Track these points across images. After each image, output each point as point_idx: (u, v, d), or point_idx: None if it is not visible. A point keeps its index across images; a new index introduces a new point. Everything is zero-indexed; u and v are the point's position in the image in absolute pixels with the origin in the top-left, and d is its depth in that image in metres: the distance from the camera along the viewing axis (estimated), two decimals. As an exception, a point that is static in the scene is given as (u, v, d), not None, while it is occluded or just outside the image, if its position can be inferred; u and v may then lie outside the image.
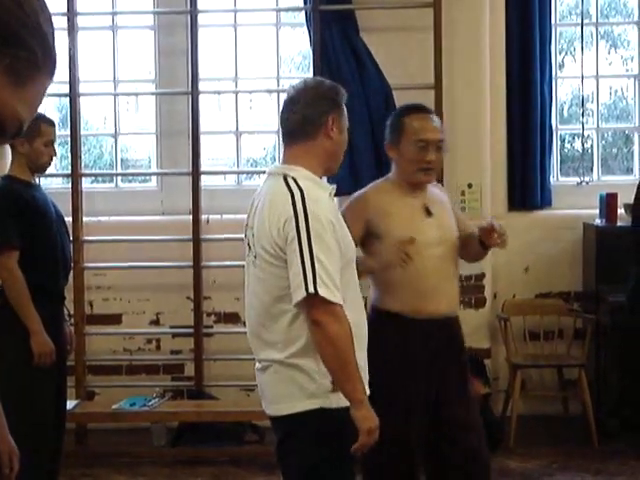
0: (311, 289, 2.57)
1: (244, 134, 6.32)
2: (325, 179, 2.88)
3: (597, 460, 5.21)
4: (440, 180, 5.66)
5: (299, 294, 2.60)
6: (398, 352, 3.38)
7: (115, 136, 6.27)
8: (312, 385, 2.67)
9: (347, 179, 5.15)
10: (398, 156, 3.44)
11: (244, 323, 5.71)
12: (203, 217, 5.84)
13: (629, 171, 6.53)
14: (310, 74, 5.63)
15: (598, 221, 5.83)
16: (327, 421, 2.66)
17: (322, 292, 2.57)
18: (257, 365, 2.81)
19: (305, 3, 5.84)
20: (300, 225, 2.60)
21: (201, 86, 5.85)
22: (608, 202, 5.78)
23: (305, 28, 5.88)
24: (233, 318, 5.90)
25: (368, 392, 2.83)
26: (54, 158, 4.12)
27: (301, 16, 6.02)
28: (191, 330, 5.81)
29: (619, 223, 5.68)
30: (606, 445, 5.41)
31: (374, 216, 3.36)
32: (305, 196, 2.64)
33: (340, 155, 2.85)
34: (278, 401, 2.75)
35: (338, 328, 2.59)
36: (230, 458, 5.36)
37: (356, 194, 3.51)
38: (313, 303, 2.60)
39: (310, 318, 2.62)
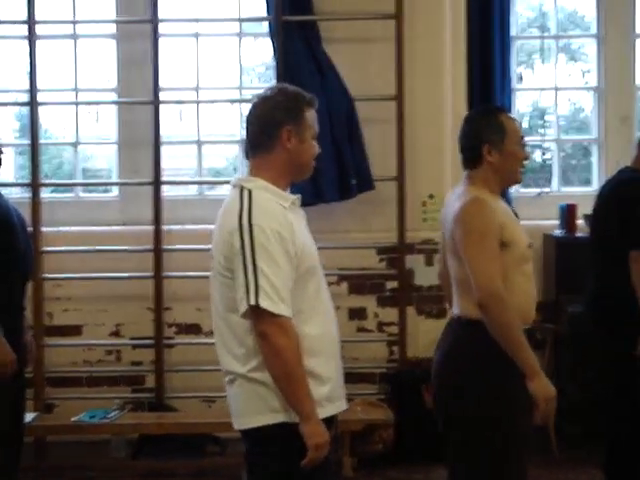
0: (252, 301, 2.57)
1: (206, 144, 6.30)
2: (288, 189, 2.85)
3: (557, 468, 5.26)
4: (402, 191, 5.71)
5: (242, 306, 2.61)
6: None
7: (75, 145, 6.21)
8: (275, 399, 2.66)
9: (308, 190, 5.13)
10: (501, 157, 3.22)
11: (205, 334, 5.77)
12: (164, 227, 5.81)
13: (588, 182, 6.61)
14: (272, 84, 5.62)
15: (558, 232, 5.90)
16: (291, 435, 2.64)
17: (264, 304, 2.57)
18: (225, 378, 2.80)
19: (268, 13, 5.84)
20: (244, 236, 2.60)
21: (162, 95, 5.82)
22: (567, 213, 5.85)
23: (268, 38, 5.88)
24: (194, 329, 5.86)
25: (344, 407, 2.84)
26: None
27: (264, 26, 6.02)
28: (152, 341, 5.78)
29: (578, 234, 5.74)
30: (566, 453, 5.46)
31: (502, 224, 3.14)
32: (252, 208, 2.64)
33: (304, 163, 2.81)
34: (242, 415, 2.74)
35: (284, 341, 2.58)
36: (192, 471, 5.32)
37: (480, 200, 3.14)
38: (257, 315, 2.59)
39: (256, 330, 2.62)
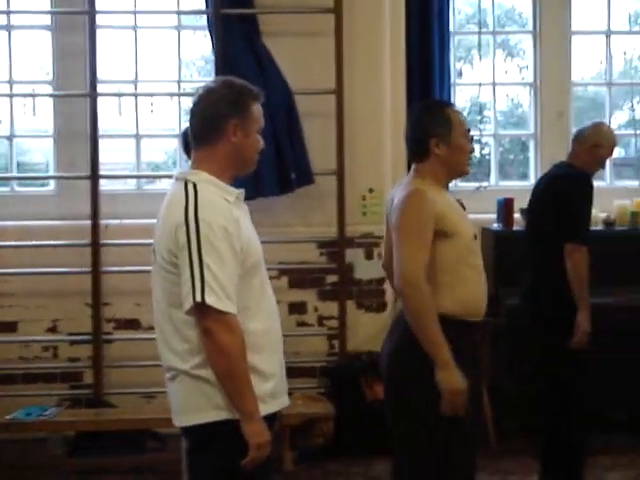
0: (198, 298, 2.54)
1: (144, 138, 6.24)
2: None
3: (494, 460, 5.32)
4: (342, 185, 5.73)
5: (187, 303, 2.57)
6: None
7: (10, 138, 6.11)
8: (218, 396, 2.63)
9: (248, 184, 5.07)
10: (448, 150, 3.25)
11: (145, 329, 5.72)
12: (102, 222, 5.75)
13: (525, 177, 6.71)
14: (212, 78, 5.59)
15: (495, 225, 5.97)
16: (234, 432, 2.62)
17: (209, 301, 2.54)
18: (166, 374, 2.77)
19: (207, 6, 5.80)
20: (190, 232, 2.57)
21: (100, 88, 5.75)
22: (505, 207, 5.92)
23: (207, 32, 5.84)
24: (133, 324, 5.81)
25: (286, 403, 2.83)
26: None
27: (203, 19, 5.97)
28: (90, 337, 5.72)
29: (515, 227, 5.82)
30: (503, 445, 5.53)
31: (440, 215, 3.16)
32: (198, 202, 2.60)
33: (248, 157, 2.79)
34: (184, 412, 2.71)
35: (229, 338, 2.56)
36: (130, 467, 5.27)
37: (419, 191, 3.18)
38: (203, 312, 2.56)
39: (200, 327, 2.59)
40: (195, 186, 2.65)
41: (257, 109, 2.78)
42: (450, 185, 3.45)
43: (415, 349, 3.15)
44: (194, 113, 2.77)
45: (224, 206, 2.65)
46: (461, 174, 3.45)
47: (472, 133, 3.40)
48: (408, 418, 3.19)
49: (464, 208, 3.41)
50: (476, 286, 3.26)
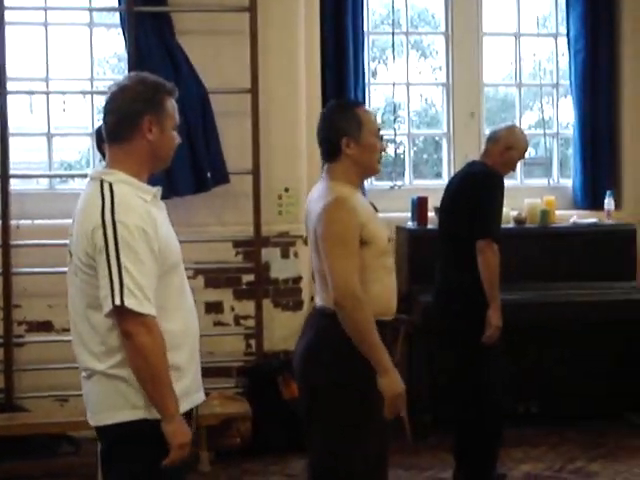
0: (117, 301, 2.52)
1: (57, 136, 6.13)
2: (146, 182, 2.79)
3: (410, 455, 5.39)
4: (257, 184, 5.72)
5: (106, 306, 2.55)
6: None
7: None
8: (136, 395, 2.61)
9: (163, 183, 5.03)
10: (359, 149, 3.25)
11: (57, 331, 5.62)
12: (13, 222, 5.63)
13: (438, 176, 6.81)
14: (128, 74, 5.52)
15: (410, 224, 6.04)
16: (151, 432, 2.60)
17: (129, 303, 2.52)
18: (82, 374, 2.73)
19: (119, 4, 5.73)
20: (108, 234, 2.54)
21: (10, 86, 5.63)
22: (419, 205, 6.00)
23: (120, 29, 5.77)
24: (46, 327, 5.70)
25: (201, 399, 2.83)
26: None
27: (116, 17, 5.90)
28: (0, 340, 5.58)
29: (429, 226, 5.90)
30: (419, 440, 5.60)
31: (362, 223, 3.17)
32: (115, 204, 2.58)
33: (164, 154, 2.77)
34: (101, 411, 2.68)
35: (149, 340, 2.54)
36: (44, 472, 5.18)
37: (341, 200, 3.16)
38: (122, 315, 2.54)
39: (120, 329, 2.57)
40: (111, 186, 2.62)
41: (171, 104, 2.77)
42: (365, 184, 3.48)
43: (328, 347, 3.18)
44: (108, 111, 2.73)
45: (141, 206, 2.63)
46: (372, 173, 3.49)
47: (386, 132, 3.45)
48: (322, 416, 3.21)
49: (376, 210, 3.46)
50: (387, 286, 3.31)
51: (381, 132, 3.38)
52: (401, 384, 3.15)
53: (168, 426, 2.59)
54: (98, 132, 4.04)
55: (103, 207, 2.58)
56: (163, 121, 2.73)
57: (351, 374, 3.15)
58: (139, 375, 2.57)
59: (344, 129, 3.26)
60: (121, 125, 2.70)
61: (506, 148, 4.74)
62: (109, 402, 2.65)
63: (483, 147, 4.95)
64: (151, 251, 2.59)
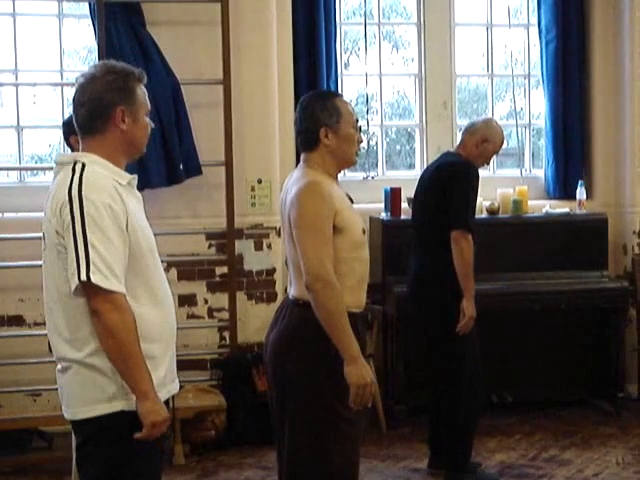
0: (83, 276, 2.49)
1: (26, 129, 6.07)
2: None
3: (385, 445, 5.41)
4: (230, 176, 5.70)
5: (73, 282, 2.52)
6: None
7: None
8: (113, 387, 2.58)
9: (134, 174, 5.03)
10: (337, 139, 3.25)
11: (29, 325, 5.57)
12: (-17, 216, 5.58)
13: (411, 167, 6.82)
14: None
15: (384, 215, 6.05)
16: (129, 424, 2.57)
17: (95, 279, 2.49)
18: (58, 366, 2.70)
19: (89, -6, 5.67)
20: (74, 211, 2.51)
21: (-22, 78, 5.57)
22: (392, 196, 6.00)
23: (89, 20, 5.71)
24: (17, 321, 5.64)
25: (176, 390, 2.81)
26: None
27: (85, 7, 5.84)
28: (-29, 335, 5.53)
29: (403, 216, 5.91)
30: (394, 430, 5.63)
31: (337, 209, 3.16)
32: (83, 181, 2.55)
33: (138, 141, 2.74)
34: (77, 404, 2.64)
35: (118, 317, 2.51)
36: (16, 467, 5.14)
37: (315, 184, 3.16)
38: (90, 292, 2.51)
39: (89, 307, 2.54)
40: (83, 165, 2.60)
41: (142, 91, 2.74)
42: (339, 175, 3.46)
43: (300, 337, 3.18)
44: (79, 102, 2.69)
45: (110, 185, 2.60)
46: (349, 164, 3.47)
47: (359, 124, 3.43)
48: (295, 408, 3.20)
49: (352, 201, 3.45)
50: (360, 279, 3.30)
51: (358, 123, 3.38)
52: (369, 374, 3.12)
53: (142, 405, 2.55)
54: (65, 124, 4.00)
55: (71, 184, 2.55)
56: (135, 110, 2.70)
57: (322, 364, 3.15)
58: (110, 354, 2.53)
59: (323, 119, 3.25)
60: (93, 117, 2.66)
61: (482, 140, 4.75)
62: (85, 395, 2.62)
63: (456, 138, 4.97)
64: (118, 228, 2.56)
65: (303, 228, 3.12)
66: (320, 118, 3.26)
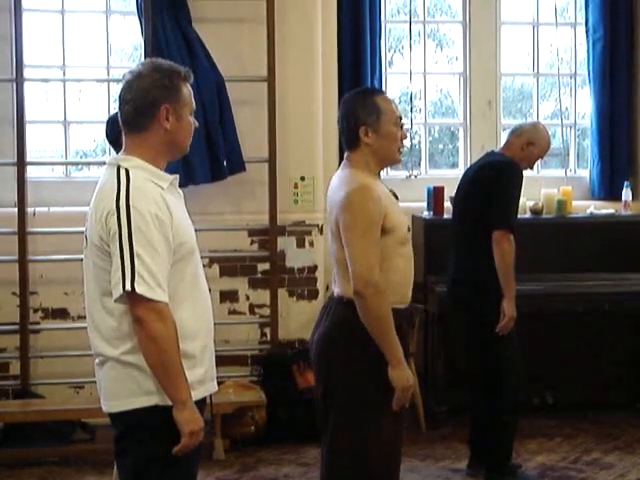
0: (128, 286, 2.51)
1: (73, 124, 6.14)
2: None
3: (425, 445, 5.39)
4: (273, 172, 5.72)
5: (116, 291, 2.54)
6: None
7: None
8: (149, 382, 2.61)
9: (179, 172, 5.02)
10: (377, 138, 3.23)
11: (73, 318, 5.64)
12: (29, 210, 5.64)
13: (454, 165, 6.78)
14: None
15: (426, 213, 6.02)
16: (164, 418, 2.59)
17: (140, 289, 2.51)
18: (96, 360, 2.73)
19: (136, -9, 5.72)
20: (122, 220, 2.53)
21: (27, 73, 5.64)
22: (435, 195, 5.98)
23: (136, 17, 5.76)
24: (61, 314, 5.72)
25: (214, 389, 2.81)
26: None
27: (132, 4, 5.89)
28: (17, 327, 5.60)
29: (445, 215, 5.88)
30: (434, 430, 5.61)
31: (385, 211, 3.15)
32: (130, 189, 2.56)
33: (182, 142, 2.74)
34: (114, 397, 2.68)
35: (160, 327, 2.53)
36: (59, 458, 5.20)
37: (365, 188, 3.14)
38: (134, 300, 2.54)
39: (132, 315, 2.56)
40: (127, 172, 2.61)
41: (188, 90, 2.74)
42: (382, 173, 3.45)
43: (345, 335, 3.18)
44: (124, 100, 2.70)
45: (156, 193, 2.62)
46: (392, 162, 3.45)
47: (403, 122, 3.40)
48: (339, 404, 3.21)
49: (397, 198, 3.44)
50: (406, 274, 3.29)
51: (401, 120, 3.36)
52: (411, 376, 3.16)
53: (179, 413, 2.58)
54: (109, 121, 4.02)
55: (118, 192, 2.57)
56: (180, 109, 2.70)
57: (367, 362, 3.15)
58: (150, 361, 2.56)
59: (362, 118, 3.24)
60: (138, 115, 2.67)
61: (528, 143, 4.73)
62: (122, 389, 2.64)
63: (501, 137, 4.94)
64: (165, 239, 2.58)
65: (354, 233, 3.12)
66: (360, 117, 3.24)
